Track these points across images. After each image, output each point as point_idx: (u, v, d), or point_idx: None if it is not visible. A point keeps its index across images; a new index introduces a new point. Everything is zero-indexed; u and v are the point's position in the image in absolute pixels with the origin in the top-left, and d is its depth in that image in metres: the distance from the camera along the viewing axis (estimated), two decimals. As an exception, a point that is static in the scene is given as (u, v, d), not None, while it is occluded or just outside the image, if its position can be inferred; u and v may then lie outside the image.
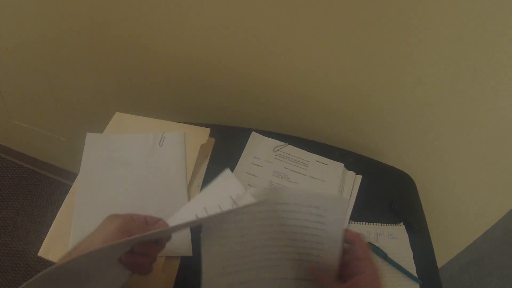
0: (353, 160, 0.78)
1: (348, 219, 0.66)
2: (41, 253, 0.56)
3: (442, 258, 1.06)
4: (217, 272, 0.46)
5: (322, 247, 0.49)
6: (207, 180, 0.66)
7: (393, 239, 0.67)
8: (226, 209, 0.44)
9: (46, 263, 0.53)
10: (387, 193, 0.75)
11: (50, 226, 0.59)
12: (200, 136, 0.72)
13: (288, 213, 0.49)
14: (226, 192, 0.48)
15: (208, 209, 0.46)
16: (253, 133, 0.78)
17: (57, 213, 0.60)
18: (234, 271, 0.47)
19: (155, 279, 0.55)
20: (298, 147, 0.77)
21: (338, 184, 0.72)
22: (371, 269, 0.45)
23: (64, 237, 0.57)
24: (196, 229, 0.51)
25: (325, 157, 0.76)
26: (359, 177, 0.74)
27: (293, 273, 0.51)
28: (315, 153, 0.77)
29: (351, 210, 0.69)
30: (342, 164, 0.75)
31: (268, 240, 0.49)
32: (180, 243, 0.57)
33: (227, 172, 0.51)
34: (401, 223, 0.70)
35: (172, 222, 0.49)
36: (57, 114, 1.22)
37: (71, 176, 0.65)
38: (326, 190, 0.71)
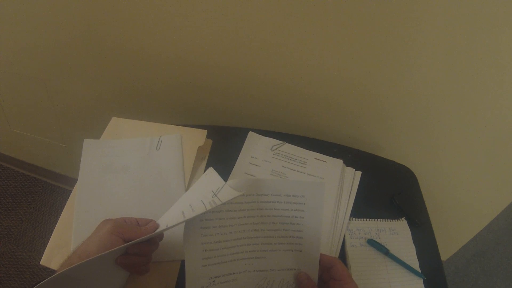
0: (352, 156, 0.77)
1: (323, 202, 0.63)
2: (43, 261, 0.56)
3: (447, 251, 1.06)
4: (199, 264, 0.47)
5: (303, 234, 0.51)
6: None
7: (395, 234, 0.66)
8: (208, 204, 0.45)
9: (52, 270, 0.54)
10: (388, 188, 0.74)
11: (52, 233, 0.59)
12: (197, 138, 0.72)
13: (268, 203, 0.50)
14: (208, 187, 0.49)
15: (193, 205, 0.47)
16: (250, 133, 0.78)
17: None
18: (217, 263, 0.48)
19: (157, 283, 0.55)
20: (296, 145, 0.77)
21: (338, 181, 0.71)
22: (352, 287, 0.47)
23: (66, 244, 0.58)
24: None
25: (324, 154, 0.76)
26: (359, 173, 0.74)
27: (277, 264, 0.51)
28: (314, 151, 0.76)
29: (351, 207, 0.69)
30: (341, 161, 0.75)
31: (250, 231, 0.49)
32: (181, 247, 0.57)
33: (209, 169, 0.53)
34: (403, 218, 0.69)
35: (162, 221, 0.50)
36: (56, 121, 1.22)
37: (73, 182, 0.65)
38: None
